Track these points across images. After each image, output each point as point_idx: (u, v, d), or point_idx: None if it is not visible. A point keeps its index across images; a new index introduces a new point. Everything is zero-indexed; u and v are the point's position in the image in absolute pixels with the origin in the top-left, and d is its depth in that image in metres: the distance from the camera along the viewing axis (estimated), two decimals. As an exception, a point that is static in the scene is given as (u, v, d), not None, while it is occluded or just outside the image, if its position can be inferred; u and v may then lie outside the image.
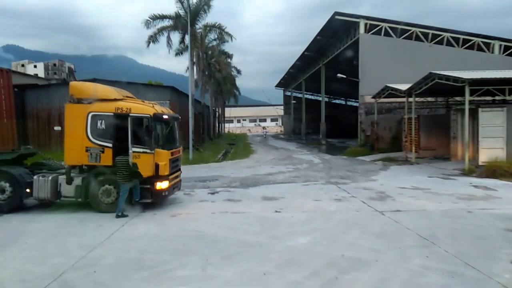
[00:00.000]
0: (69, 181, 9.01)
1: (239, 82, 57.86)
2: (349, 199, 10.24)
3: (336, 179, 13.94)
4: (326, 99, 49.59)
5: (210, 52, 37.16)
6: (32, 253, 6.22)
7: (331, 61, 36.02)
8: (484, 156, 14.92)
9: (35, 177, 9.13)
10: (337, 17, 28.60)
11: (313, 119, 52.89)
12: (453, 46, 28.25)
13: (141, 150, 8.72)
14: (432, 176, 14.19)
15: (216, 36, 33.18)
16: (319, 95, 49.40)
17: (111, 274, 5.27)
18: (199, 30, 29.07)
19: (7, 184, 9.01)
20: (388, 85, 21.18)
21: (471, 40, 28.42)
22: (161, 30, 27.18)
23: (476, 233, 7.00)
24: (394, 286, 4.81)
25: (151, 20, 26.71)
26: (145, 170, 8.73)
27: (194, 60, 28.84)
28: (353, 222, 7.97)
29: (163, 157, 8.92)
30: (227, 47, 41.97)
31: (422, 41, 28.24)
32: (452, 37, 28.38)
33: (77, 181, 9.00)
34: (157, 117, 8.92)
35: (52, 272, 5.28)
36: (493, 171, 13.66)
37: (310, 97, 61.01)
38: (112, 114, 8.85)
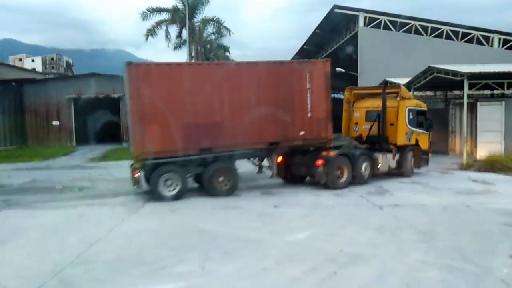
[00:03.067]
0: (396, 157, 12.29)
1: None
2: (348, 194, 10.25)
3: (335, 174, 13.91)
4: (325, 93, 49.39)
5: (208, 46, 36.98)
6: (31, 249, 6.22)
7: (330, 55, 35.84)
8: (482, 150, 14.94)
9: (376, 154, 11.77)
10: (336, 10, 28.40)
11: (312, 114, 52.69)
12: (452, 39, 28.10)
13: (420, 131, 12.95)
14: (430, 171, 14.20)
15: (214, 30, 33.06)
16: (317, 89, 49.23)
17: (110, 270, 5.26)
18: (197, 24, 28.94)
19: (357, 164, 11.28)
20: (387, 79, 21.09)
21: (470, 33, 28.28)
22: (159, 24, 27.13)
23: (474, 228, 7.02)
24: (393, 281, 4.82)
25: (148, 12, 26.60)
26: (424, 145, 13.11)
27: (193, 54, 28.73)
28: (352, 217, 7.99)
29: (429, 137, 13.55)
30: (226, 41, 41.72)
31: (422, 34, 28.11)
32: (452, 31, 28.22)
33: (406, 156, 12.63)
34: (427, 110, 13.61)
35: (52, 268, 5.27)
36: (491, 165, 13.68)
37: (308, 91, 60.74)
38: (415, 108, 12.86)
